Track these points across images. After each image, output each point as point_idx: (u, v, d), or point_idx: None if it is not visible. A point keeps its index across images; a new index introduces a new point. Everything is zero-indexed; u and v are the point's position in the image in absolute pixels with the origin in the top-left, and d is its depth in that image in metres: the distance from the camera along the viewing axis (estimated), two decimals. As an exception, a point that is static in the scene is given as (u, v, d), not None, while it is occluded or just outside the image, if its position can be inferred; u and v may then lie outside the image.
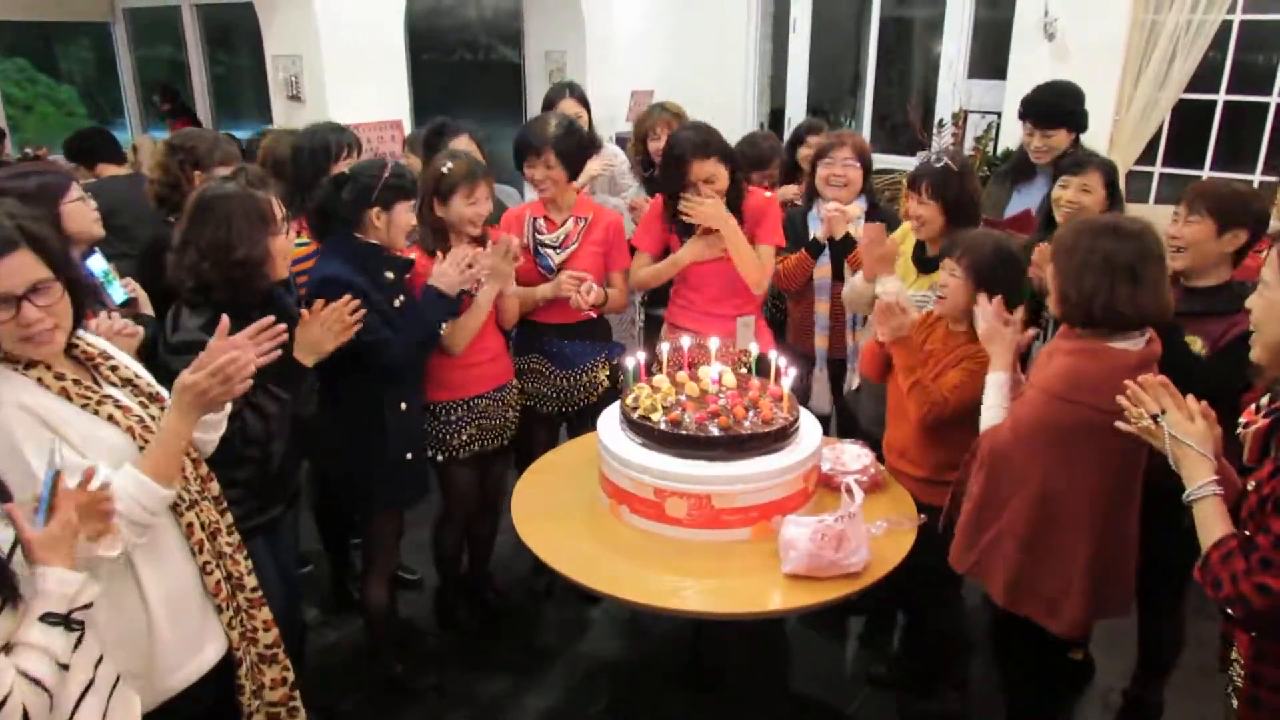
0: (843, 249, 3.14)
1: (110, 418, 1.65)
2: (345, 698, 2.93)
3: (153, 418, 1.74)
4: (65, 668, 1.38)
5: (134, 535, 1.61)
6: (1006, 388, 2.25)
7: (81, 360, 1.73)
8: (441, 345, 2.74)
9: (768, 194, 3.19)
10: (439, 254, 2.70)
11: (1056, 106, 3.37)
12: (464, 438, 2.86)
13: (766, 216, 3.04)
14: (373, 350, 2.49)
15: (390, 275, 2.58)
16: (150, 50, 7.99)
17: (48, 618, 1.37)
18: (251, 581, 1.90)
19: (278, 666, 1.95)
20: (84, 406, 1.63)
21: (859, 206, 3.23)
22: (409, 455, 2.70)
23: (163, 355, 2.14)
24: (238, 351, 1.73)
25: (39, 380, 1.59)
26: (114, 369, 1.76)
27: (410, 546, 3.18)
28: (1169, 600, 2.59)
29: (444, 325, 2.66)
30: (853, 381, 3.06)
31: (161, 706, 1.73)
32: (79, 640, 1.42)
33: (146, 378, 1.84)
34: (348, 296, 2.30)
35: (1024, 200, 3.48)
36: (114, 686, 1.55)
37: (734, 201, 2.96)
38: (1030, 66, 5.16)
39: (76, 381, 1.64)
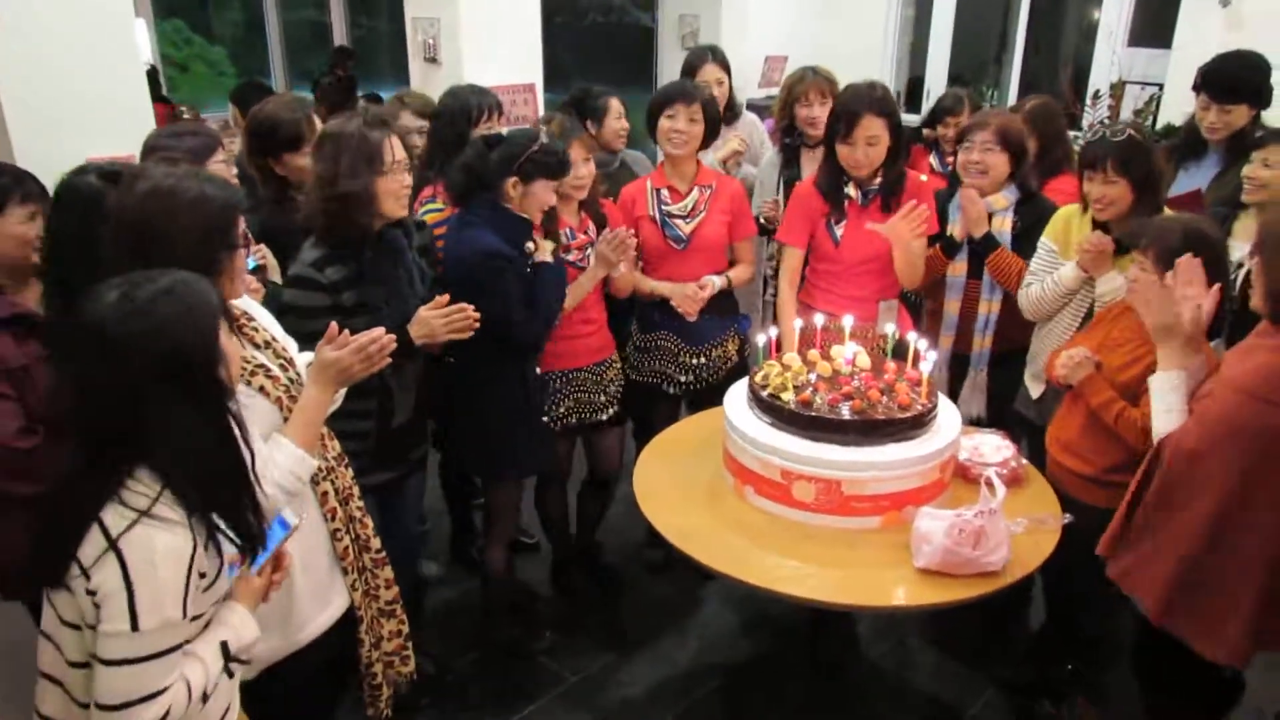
0: (984, 247, 2.88)
1: (262, 388, 1.72)
2: (459, 655, 2.98)
3: (291, 380, 1.79)
4: (205, 699, 1.41)
5: (284, 503, 1.69)
6: (1183, 388, 2.03)
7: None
8: None
9: (924, 177, 3.00)
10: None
11: (1241, 79, 3.07)
12: (563, 409, 2.85)
13: (923, 204, 2.84)
14: (513, 327, 2.49)
15: (531, 247, 2.56)
16: (295, 13, 8.26)
17: (222, 646, 1.43)
18: (376, 544, 1.98)
19: (394, 620, 2.06)
20: (239, 376, 1.68)
21: (1005, 198, 2.91)
22: (545, 419, 2.75)
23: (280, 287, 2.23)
24: (380, 330, 1.78)
25: None
26: (255, 330, 1.82)
27: (530, 511, 3.22)
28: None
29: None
30: (1033, 389, 2.78)
31: (292, 655, 1.83)
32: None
33: (282, 340, 1.89)
34: (470, 308, 2.28)
35: (1191, 180, 3.21)
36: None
37: (895, 181, 2.82)
38: (1200, 34, 4.78)
39: None
